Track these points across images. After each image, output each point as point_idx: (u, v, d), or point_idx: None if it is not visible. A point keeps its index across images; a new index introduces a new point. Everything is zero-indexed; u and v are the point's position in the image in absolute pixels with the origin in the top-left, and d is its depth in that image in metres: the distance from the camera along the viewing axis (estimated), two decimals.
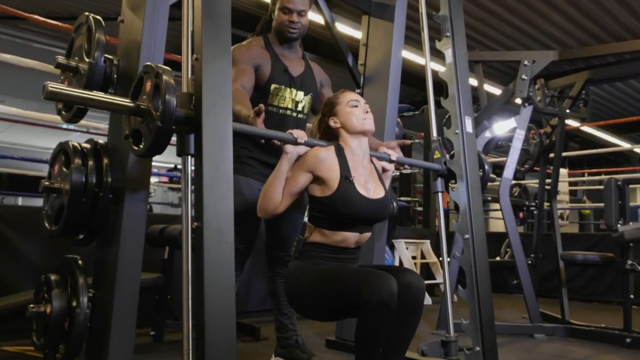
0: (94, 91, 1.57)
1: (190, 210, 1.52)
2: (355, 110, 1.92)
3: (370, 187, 1.89)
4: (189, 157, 1.53)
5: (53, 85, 1.41)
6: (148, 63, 1.56)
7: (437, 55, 2.60)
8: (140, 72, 1.57)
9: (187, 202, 1.52)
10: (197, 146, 1.52)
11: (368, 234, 1.90)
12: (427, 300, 4.89)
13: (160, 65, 1.52)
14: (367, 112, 1.94)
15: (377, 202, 1.88)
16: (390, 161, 2.08)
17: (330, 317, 1.87)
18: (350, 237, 1.83)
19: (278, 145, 1.86)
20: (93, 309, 1.76)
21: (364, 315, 1.61)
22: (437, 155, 2.41)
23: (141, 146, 1.52)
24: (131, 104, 1.52)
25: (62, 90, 1.44)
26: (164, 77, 1.47)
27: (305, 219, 2.09)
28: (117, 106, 1.53)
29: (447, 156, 2.43)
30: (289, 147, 1.82)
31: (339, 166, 1.84)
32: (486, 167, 2.65)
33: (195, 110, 1.52)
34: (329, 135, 1.96)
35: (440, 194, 2.45)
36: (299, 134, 1.82)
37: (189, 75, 1.55)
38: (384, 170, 2.07)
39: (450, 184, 2.48)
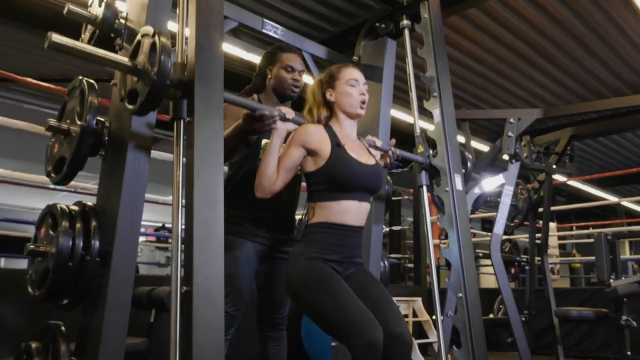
0: (96, 48, 1.61)
1: (180, 214, 1.54)
2: (352, 90, 1.98)
3: (362, 155, 1.95)
4: (182, 121, 1.61)
5: (56, 37, 1.46)
6: (146, 26, 1.63)
7: (425, 113, 2.65)
8: (139, 35, 1.63)
9: (179, 177, 1.56)
10: (189, 110, 1.61)
11: (366, 205, 1.92)
12: None
13: (158, 27, 1.60)
14: (362, 94, 1.99)
15: (370, 167, 1.93)
16: (376, 148, 2.13)
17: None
18: (350, 207, 1.85)
19: (268, 124, 1.89)
20: None
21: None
22: (420, 149, 2.49)
23: (136, 104, 1.58)
24: (129, 63, 1.59)
25: (64, 43, 1.48)
26: (161, 37, 1.54)
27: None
28: (116, 64, 1.59)
29: (431, 151, 2.49)
30: (278, 123, 1.88)
31: (329, 137, 1.90)
32: (469, 164, 2.69)
33: (188, 75, 1.62)
34: (323, 103, 2.01)
35: (424, 188, 2.47)
36: (287, 110, 1.91)
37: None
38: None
39: (441, 242, 2.48)
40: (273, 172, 1.85)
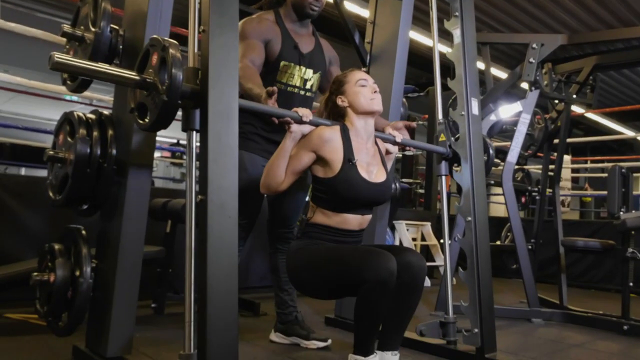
0: (100, 63, 1.55)
1: (194, 185, 1.52)
2: (363, 89, 1.91)
3: (373, 170, 1.89)
4: (194, 132, 1.52)
5: (59, 56, 1.39)
6: (155, 36, 1.54)
7: (445, 37, 2.57)
8: (147, 45, 1.55)
9: (192, 177, 1.52)
10: (202, 121, 1.51)
11: (369, 217, 1.91)
12: (427, 282, 4.92)
13: (167, 38, 1.51)
14: (375, 92, 1.93)
15: (379, 186, 1.88)
16: (395, 143, 2.08)
17: (330, 295, 1.88)
18: (351, 219, 1.84)
19: (281, 123, 1.83)
20: (96, 279, 1.78)
21: (363, 293, 1.63)
22: (442, 138, 2.40)
23: (146, 120, 1.52)
24: (137, 77, 1.51)
25: (69, 61, 1.43)
26: (171, 50, 1.45)
27: (307, 197, 2.11)
28: (123, 79, 1.51)
29: (453, 139, 2.42)
30: (293, 126, 1.82)
31: (342, 148, 1.84)
32: (490, 151, 2.64)
33: (201, 85, 1.51)
34: (336, 114, 1.95)
35: (443, 177, 2.44)
36: (304, 113, 1.81)
37: (196, 50, 1.54)
38: (387, 152, 2.07)
39: (454, 167, 2.48)
40: (282, 174, 1.83)
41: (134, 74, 1.52)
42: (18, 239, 2.89)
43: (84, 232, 1.79)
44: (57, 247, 1.78)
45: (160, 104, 1.45)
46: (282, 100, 2.24)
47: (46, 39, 3.08)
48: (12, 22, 3.05)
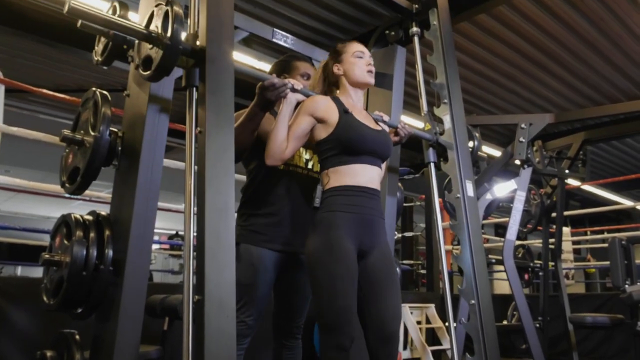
0: (114, 15, 1.70)
1: (192, 222, 1.55)
2: (359, 61, 2.05)
3: (369, 122, 2.03)
4: (194, 89, 1.67)
5: (74, 2, 1.50)
6: None
7: (436, 119, 2.65)
8: (153, 5, 1.70)
9: (191, 153, 1.57)
10: (201, 77, 1.66)
11: (377, 169, 1.98)
12: None
13: None
14: (369, 64, 2.07)
15: (378, 132, 2.01)
16: (384, 122, 2.19)
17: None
18: (360, 170, 1.91)
19: (280, 91, 1.91)
20: None
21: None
22: (427, 126, 2.54)
23: (150, 69, 1.64)
24: (144, 30, 1.65)
25: (83, 8, 1.54)
26: (174, 6, 1.61)
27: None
28: (131, 30, 1.65)
29: (438, 129, 2.55)
30: (289, 94, 1.95)
31: (336, 106, 1.98)
32: (475, 142, 2.70)
33: (200, 43, 1.68)
34: (330, 82, 2.09)
35: (434, 181, 2.50)
36: (295, 82, 1.96)
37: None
38: None
39: (453, 248, 2.47)
40: (283, 139, 1.92)
41: (141, 26, 1.67)
42: (11, 344, 2.80)
43: (77, 336, 1.74)
44: (49, 354, 1.72)
45: (164, 48, 1.57)
46: (286, 179, 2.21)
47: (48, 140, 3.16)
48: (16, 125, 3.13)
